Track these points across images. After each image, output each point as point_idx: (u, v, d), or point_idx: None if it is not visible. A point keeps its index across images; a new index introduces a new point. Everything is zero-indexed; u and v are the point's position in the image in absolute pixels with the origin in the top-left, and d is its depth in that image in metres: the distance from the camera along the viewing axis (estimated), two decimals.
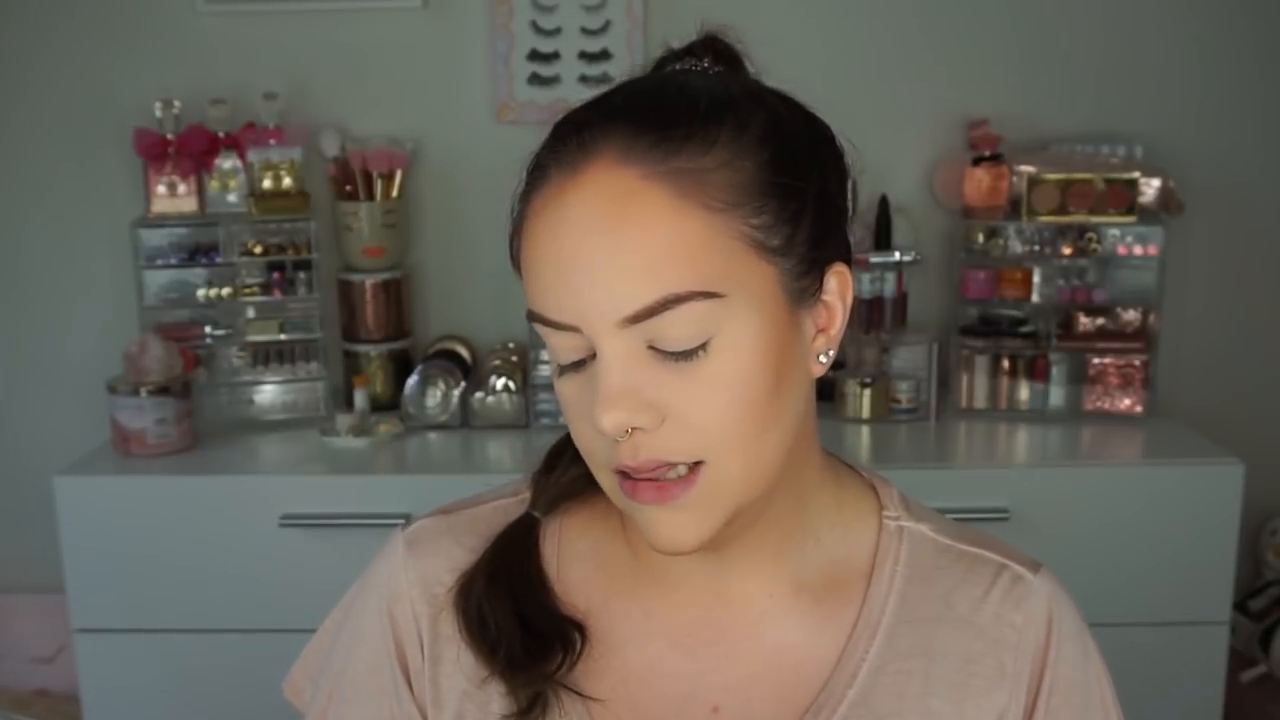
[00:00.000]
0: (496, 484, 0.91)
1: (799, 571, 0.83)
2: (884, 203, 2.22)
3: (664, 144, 0.70)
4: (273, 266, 2.19)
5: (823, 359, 0.77)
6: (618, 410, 0.70)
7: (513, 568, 0.83)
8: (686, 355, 0.70)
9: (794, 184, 0.73)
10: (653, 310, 0.69)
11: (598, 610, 0.83)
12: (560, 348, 0.73)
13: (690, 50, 0.79)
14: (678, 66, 0.79)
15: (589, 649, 0.81)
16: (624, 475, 0.73)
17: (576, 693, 0.80)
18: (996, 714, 0.82)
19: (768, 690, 0.81)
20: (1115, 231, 2.14)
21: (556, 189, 0.72)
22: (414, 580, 0.84)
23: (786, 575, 0.83)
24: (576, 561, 0.85)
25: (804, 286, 0.74)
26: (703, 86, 0.74)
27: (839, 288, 0.77)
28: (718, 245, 0.70)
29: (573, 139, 0.72)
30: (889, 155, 2.31)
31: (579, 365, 0.73)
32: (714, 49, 0.79)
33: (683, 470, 0.72)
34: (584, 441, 0.75)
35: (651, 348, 0.70)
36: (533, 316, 0.74)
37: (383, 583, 0.86)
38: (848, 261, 0.78)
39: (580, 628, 0.82)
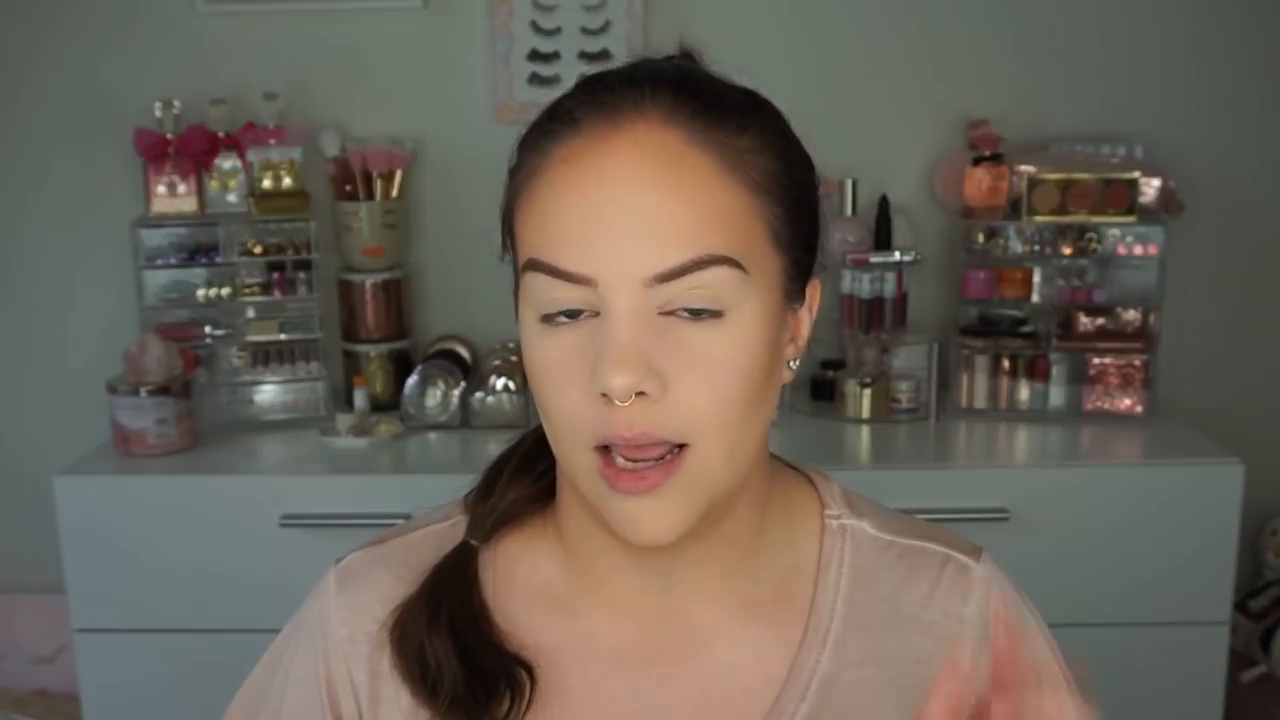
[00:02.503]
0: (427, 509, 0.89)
1: (750, 587, 0.81)
2: (884, 203, 2.22)
3: (707, 114, 0.71)
4: (273, 266, 2.19)
5: (792, 365, 0.77)
6: (629, 370, 0.67)
7: (453, 601, 0.80)
8: (699, 318, 0.69)
9: (804, 187, 0.75)
10: (685, 269, 0.68)
11: (539, 637, 0.81)
12: (557, 299, 0.70)
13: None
14: None
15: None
16: (605, 459, 0.71)
17: None
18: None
19: (717, 710, 0.80)
20: (1115, 231, 2.14)
21: (595, 138, 0.70)
22: (344, 618, 0.83)
23: (737, 591, 0.81)
24: (514, 588, 0.83)
25: (794, 289, 0.75)
26: (732, 83, 0.76)
27: (812, 300, 0.78)
28: (749, 223, 0.71)
29: (614, 91, 0.71)
30: (889, 155, 2.31)
31: (569, 318, 0.70)
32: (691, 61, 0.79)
33: (664, 456, 0.70)
34: (565, 412, 0.71)
35: (663, 313, 0.69)
36: (536, 265, 0.70)
37: (314, 623, 0.84)
38: (819, 278, 0.80)
39: (528, 668, 0.79)
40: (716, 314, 0.69)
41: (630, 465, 0.70)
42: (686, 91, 0.71)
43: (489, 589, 0.82)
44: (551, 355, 0.71)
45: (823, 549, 0.84)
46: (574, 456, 0.72)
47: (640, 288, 0.68)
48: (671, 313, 0.69)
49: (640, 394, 0.68)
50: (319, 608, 0.84)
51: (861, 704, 0.80)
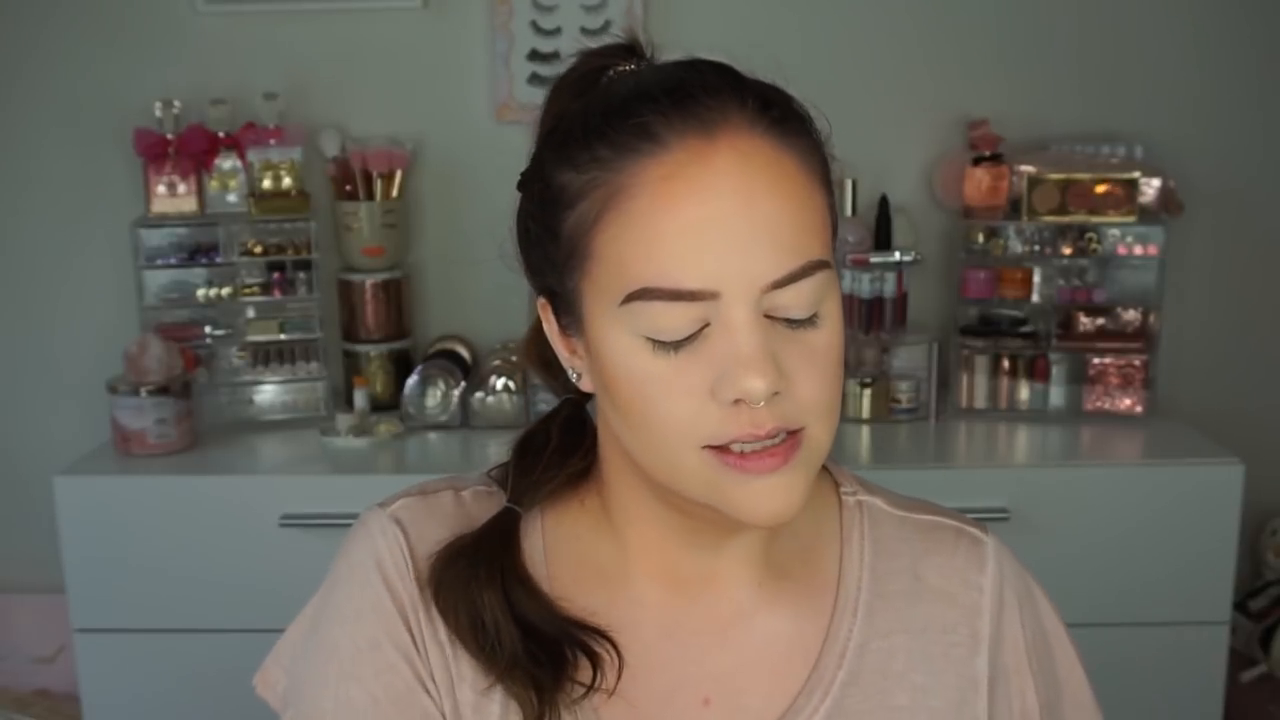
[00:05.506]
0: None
1: (781, 558, 0.85)
2: (884, 203, 2.22)
3: (784, 120, 0.73)
4: (273, 266, 2.19)
5: None
6: (765, 375, 0.69)
7: (492, 561, 0.79)
8: (802, 324, 0.72)
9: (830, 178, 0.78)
10: (795, 276, 0.70)
11: (588, 605, 0.81)
12: (676, 322, 0.70)
13: (631, 50, 0.78)
14: (628, 67, 0.77)
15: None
16: (720, 452, 0.71)
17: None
18: (974, 680, 0.85)
19: (758, 679, 0.83)
20: (1115, 231, 2.14)
21: (692, 152, 0.69)
22: (406, 555, 0.80)
23: (771, 564, 0.84)
24: (566, 559, 0.84)
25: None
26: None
27: None
28: (826, 218, 0.74)
29: (695, 99, 0.70)
30: (889, 155, 2.31)
31: (682, 341, 0.70)
32: (640, 53, 0.78)
33: (782, 438, 0.72)
34: (676, 417, 0.71)
35: (768, 316, 0.71)
36: (652, 293, 0.69)
37: (368, 556, 0.81)
38: None
39: (610, 639, 0.79)
40: (813, 316, 0.72)
41: (754, 447, 0.71)
42: (763, 94, 0.73)
43: (539, 560, 0.83)
44: (662, 368, 0.71)
45: (843, 523, 0.88)
46: (680, 458, 0.73)
47: (758, 295, 0.70)
48: (775, 318, 0.71)
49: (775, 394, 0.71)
50: (377, 543, 0.81)
51: (893, 671, 0.84)
